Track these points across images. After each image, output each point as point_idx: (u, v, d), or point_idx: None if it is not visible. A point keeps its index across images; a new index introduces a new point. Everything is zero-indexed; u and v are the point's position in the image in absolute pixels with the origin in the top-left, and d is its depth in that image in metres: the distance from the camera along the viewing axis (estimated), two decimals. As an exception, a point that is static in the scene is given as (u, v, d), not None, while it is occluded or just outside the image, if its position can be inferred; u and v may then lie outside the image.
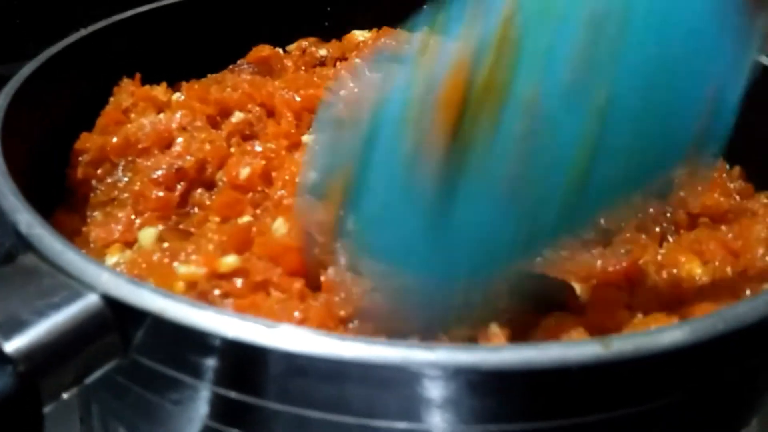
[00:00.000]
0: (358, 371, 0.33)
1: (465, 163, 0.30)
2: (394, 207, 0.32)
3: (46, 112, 0.57)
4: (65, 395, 0.34)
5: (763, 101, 0.60)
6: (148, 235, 0.49)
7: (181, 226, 0.51)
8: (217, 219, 0.50)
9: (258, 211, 0.51)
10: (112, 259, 0.48)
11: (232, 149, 0.57)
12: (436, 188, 0.30)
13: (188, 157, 0.53)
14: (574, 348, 0.30)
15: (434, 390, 0.32)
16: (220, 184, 0.54)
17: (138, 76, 0.64)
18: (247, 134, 0.59)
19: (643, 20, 0.30)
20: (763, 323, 0.33)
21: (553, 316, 0.43)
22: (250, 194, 0.52)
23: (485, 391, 0.32)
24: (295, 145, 0.58)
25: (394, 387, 0.33)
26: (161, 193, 0.51)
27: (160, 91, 0.63)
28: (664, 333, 0.32)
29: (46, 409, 0.35)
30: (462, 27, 0.31)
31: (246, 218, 0.50)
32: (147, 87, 0.63)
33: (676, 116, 0.32)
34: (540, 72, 0.29)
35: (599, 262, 0.46)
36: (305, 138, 0.58)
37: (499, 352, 0.31)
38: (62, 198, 0.56)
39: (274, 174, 0.53)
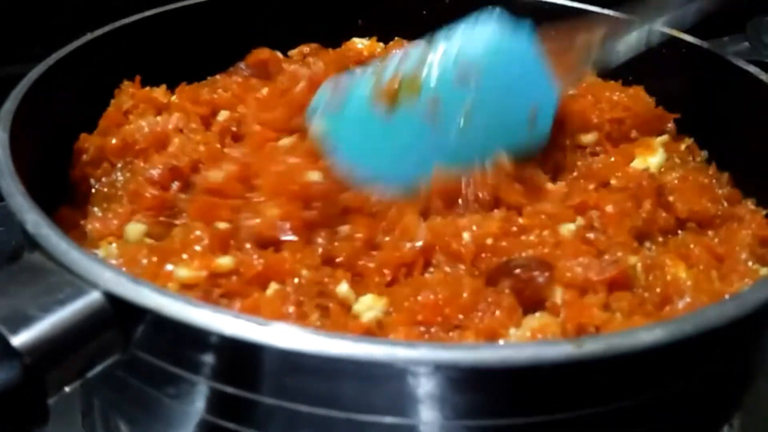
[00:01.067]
0: (345, 367, 0.35)
1: (398, 110, 0.57)
2: (361, 125, 0.59)
3: (53, 113, 0.59)
4: (67, 389, 0.36)
5: (753, 111, 0.62)
6: (134, 230, 0.51)
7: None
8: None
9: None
10: (101, 252, 0.50)
11: (226, 150, 0.58)
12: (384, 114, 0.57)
13: (183, 157, 0.55)
14: (547, 347, 0.32)
15: (417, 386, 0.34)
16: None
17: (138, 78, 0.65)
18: (236, 134, 0.61)
19: (495, 66, 0.58)
20: (732, 325, 0.35)
21: (534, 316, 0.45)
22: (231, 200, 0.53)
23: (465, 387, 0.34)
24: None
25: (380, 383, 0.35)
26: (156, 192, 0.53)
27: (159, 93, 0.64)
28: (635, 334, 0.33)
29: (51, 401, 0.37)
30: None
31: (222, 224, 0.50)
32: (147, 89, 0.65)
33: (515, 114, 0.59)
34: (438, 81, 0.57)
35: (586, 270, 0.48)
36: (282, 142, 0.60)
37: (477, 350, 0.33)
38: (67, 194, 0.58)
39: (258, 181, 0.54)
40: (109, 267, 0.37)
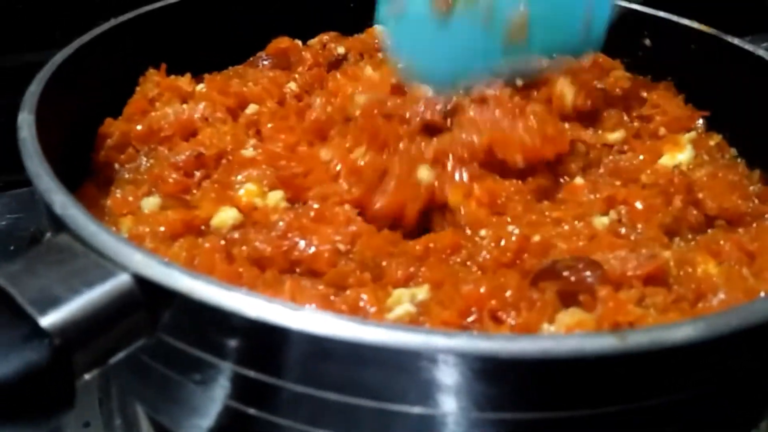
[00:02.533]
0: (376, 355, 0.34)
1: (455, 12, 0.60)
2: (420, 26, 0.61)
3: (77, 97, 0.58)
4: (93, 372, 0.35)
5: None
6: (151, 203, 0.51)
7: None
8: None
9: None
10: (122, 227, 0.49)
11: (251, 141, 0.58)
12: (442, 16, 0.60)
13: (210, 146, 0.55)
14: (590, 339, 0.31)
15: (452, 376, 0.33)
16: None
17: (164, 66, 0.65)
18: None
19: None
20: (777, 322, 0.34)
21: (567, 312, 0.44)
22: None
23: (502, 379, 0.33)
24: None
25: (412, 372, 0.34)
26: (179, 177, 0.52)
27: (184, 81, 0.64)
28: (679, 327, 0.32)
29: (78, 383, 0.36)
30: None
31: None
32: (172, 77, 0.64)
33: (569, 18, 0.62)
34: None
35: (623, 264, 0.47)
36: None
37: (518, 341, 0.32)
38: (89, 177, 0.57)
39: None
40: (139, 249, 0.37)
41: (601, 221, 0.53)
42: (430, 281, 0.47)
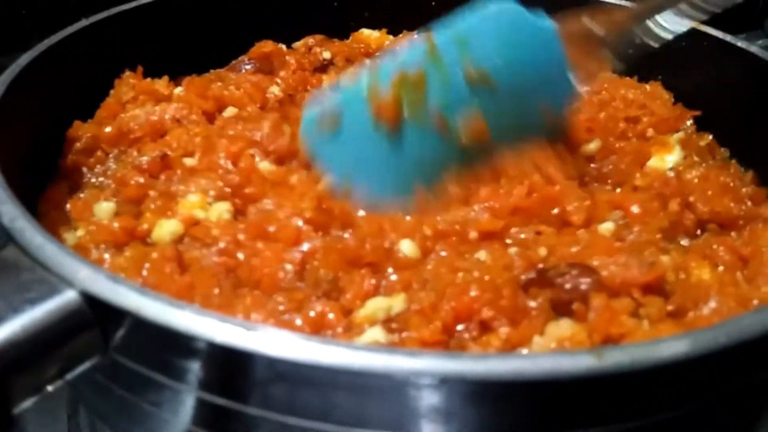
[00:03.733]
0: (339, 377, 0.32)
1: (406, 119, 0.52)
2: (361, 144, 0.53)
3: (46, 100, 0.56)
4: (32, 400, 0.33)
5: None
6: (103, 208, 0.48)
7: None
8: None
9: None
10: (79, 232, 0.47)
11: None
12: (389, 131, 0.52)
13: (176, 147, 0.52)
14: (566, 359, 0.29)
15: (419, 399, 0.31)
16: None
17: (140, 69, 0.63)
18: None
19: (510, 63, 0.52)
20: (764, 337, 0.32)
21: (558, 323, 0.42)
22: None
23: (473, 401, 0.31)
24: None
25: (377, 395, 0.32)
26: (142, 180, 0.50)
27: (161, 84, 0.62)
28: (662, 344, 0.30)
29: (25, 405, 0.34)
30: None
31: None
32: (148, 80, 0.62)
33: (530, 111, 0.53)
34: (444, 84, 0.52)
35: (624, 271, 0.45)
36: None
37: (487, 361, 0.29)
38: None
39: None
40: (86, 264, 0.34)
41: (606, 227, 0.51)
42: (404, 289, 0.44)
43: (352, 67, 0.70)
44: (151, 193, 0.49)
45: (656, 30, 0.53)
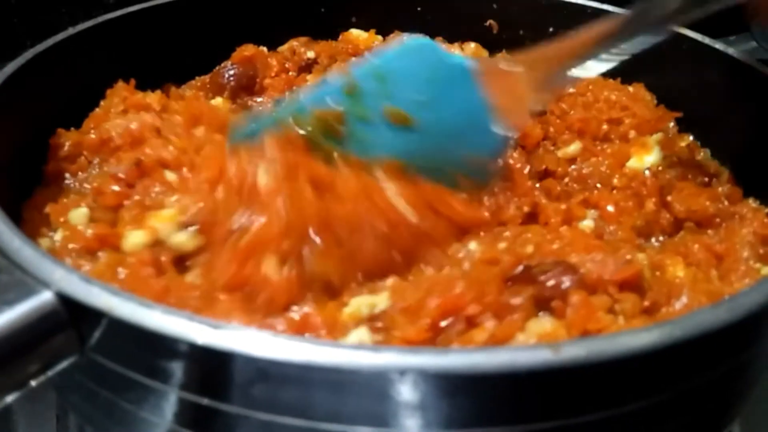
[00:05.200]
0: (311, 374, 0.32)
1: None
2: None
3: (31, 108, 0.57)
4: (11, 397, 0.34)
5: (756, 108, 0.60)
6: (78, 214, 0.49)
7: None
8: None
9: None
10: (58, 235, 0.48)
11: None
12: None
13: (150, 155, 0.53)
14: (523, 353, 0.30)
15: (386, 394, 0.32)
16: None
17: (133, 81, 0.63)
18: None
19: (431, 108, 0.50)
20: (725, 330, 0.33)
21: (538, 320, 0.43)
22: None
23: (436, 394, 0.31)
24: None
25: (348, 391, 0.33)
26: (118, 188, 0.50)
27: (154, 99, 0.61)
28: (618, 338, 0.31)
29: (6, 400, 0.35)
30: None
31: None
32: (140, 94, 0.62)
33: (457, 153, 0.51)
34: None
35: (600, 268, 0.45)
36: None
37: (447, 356, 0.30)
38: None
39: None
40: (60, 265, 0.35)
41: (587, 225, 0.53)
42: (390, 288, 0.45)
43: (336, 65, 0.70)
44: (126, 202, 0.49)
45: (577, 72, 0.51)
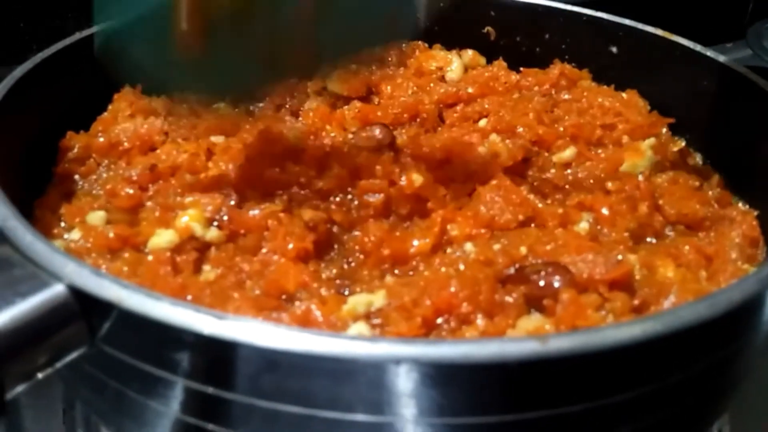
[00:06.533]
0: (313, 364, 0.34)
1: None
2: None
3: (41, 111, 0.59)
4: (24, 386, 0.35)
5: (746, 114, 0.61)
6: (96, 217, 0.51)
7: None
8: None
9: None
10: (74, 234, 0.49)
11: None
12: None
13: (165, 160, 0.54)
14: (512, 344, 0.31)
15: (383, 383, 0.33)
16: None
17: (139, 86, 0.63)
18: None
19: None
20: (706, 325, 0.34)
21: (530, 318, 0.44)
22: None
23: (430, 383, 0.33)
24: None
25: (347, 380, 0.34)
26: (131, 191, 0.52)
27: (159, 104, 0.63)
28: (603, 331, 0.32)
29: (17, 391, 0.36)
30: None
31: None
32: (147, 100, 0.63)
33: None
34: None
35: (591, 268, 0.47)
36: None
37: (440, 346, 0.32)
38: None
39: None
40: (72, 259, 0.37)
41: (582, 227, 0.54)
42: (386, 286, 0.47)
43: (336, 72, 0.71)
44: (148, 203, 0.51)
45: None
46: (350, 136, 0.61)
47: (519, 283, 0.46)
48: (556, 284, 0.45)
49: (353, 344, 0.33)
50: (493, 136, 0.61)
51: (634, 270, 0.49)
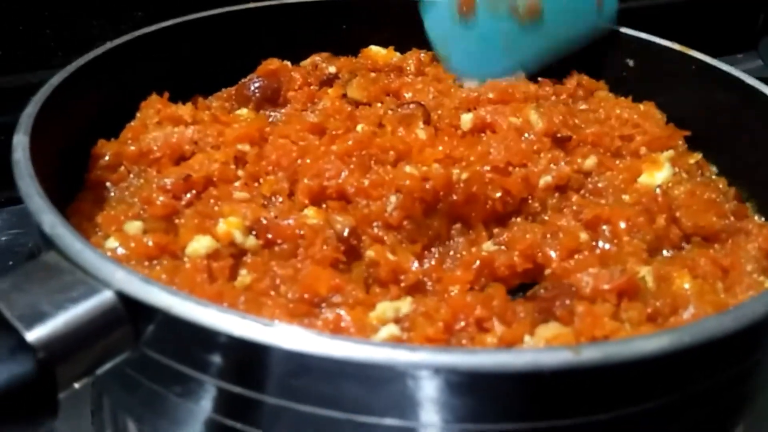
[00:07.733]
0: (347, 369, 0.36)
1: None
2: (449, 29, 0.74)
3: (74, 117, 0.60)
4: (77, 384, 0.37)
5: (761, 127, 0.63)
6: (134, 226, 0.52)
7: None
8: None
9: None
10: (111, 242, 0.51)
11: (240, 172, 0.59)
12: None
13: (199, 170, 0.56)
14: (546, 353, 0.33)
15: (416, 389, 0.35)
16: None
17: (166, 94, 0.66)
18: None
19: None
20: (731, 337, 0.35)
21: (547, 326, 0.46)
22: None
23: (464, 391, 0.34)
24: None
25: (380, 385, 0.36)
26: (165, 199, 0.53)
27: (185, 111, 0.64)
28: (634, 342, 0.34)
29: (62, 395, 0.38)
30: None
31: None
32: (173, 107, 0.65)
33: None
34: None
35: (597, 280, 0.49)
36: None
37: (476, 355, 0.33)
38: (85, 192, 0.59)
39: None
40: (121, 267, 0.38)
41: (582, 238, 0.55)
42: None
43: (356, 80, 0.73)
44: (187, 211, 0.53)
45: None
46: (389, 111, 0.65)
47: (529, 302, 0.48)
48: (567, 303, 0.47)
49: (392, 352, 0.34)
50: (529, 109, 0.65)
51: (643, 279, 0.50)
